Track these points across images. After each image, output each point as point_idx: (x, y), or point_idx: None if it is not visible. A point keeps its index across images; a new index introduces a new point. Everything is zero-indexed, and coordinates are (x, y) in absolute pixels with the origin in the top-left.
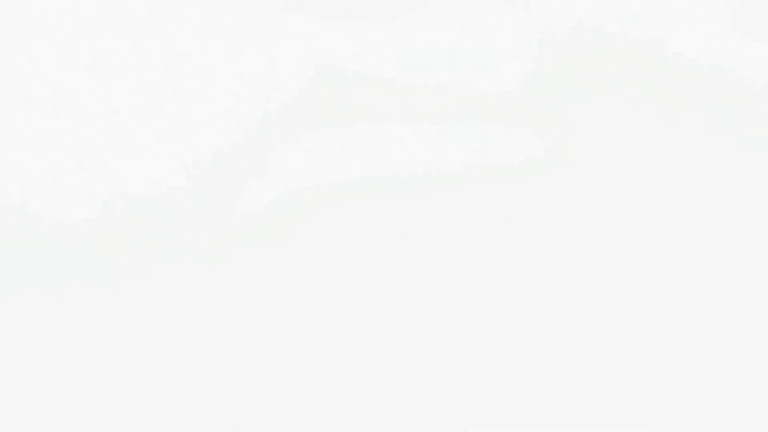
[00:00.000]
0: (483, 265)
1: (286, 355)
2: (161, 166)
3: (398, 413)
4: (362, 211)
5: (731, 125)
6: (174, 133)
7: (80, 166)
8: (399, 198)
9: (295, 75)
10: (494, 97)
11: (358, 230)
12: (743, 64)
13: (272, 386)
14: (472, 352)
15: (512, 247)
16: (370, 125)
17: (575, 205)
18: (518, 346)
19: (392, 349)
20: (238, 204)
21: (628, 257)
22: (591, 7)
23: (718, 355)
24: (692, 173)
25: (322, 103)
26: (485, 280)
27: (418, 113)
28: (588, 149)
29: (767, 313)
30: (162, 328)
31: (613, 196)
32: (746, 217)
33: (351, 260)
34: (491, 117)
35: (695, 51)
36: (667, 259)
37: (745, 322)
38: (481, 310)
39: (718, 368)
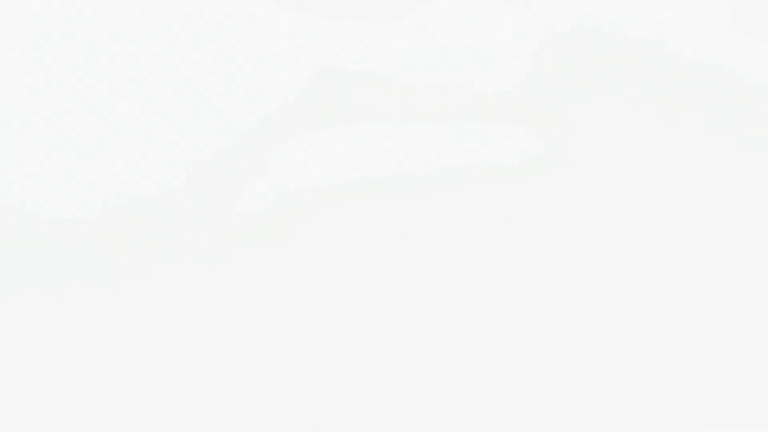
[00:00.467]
0: (483, 264)
1: (286, 353)
2: (161, 166)
3: (398, 412)
4: (362, 211)
5: (731, 125)
6: (174, 133)
7: (80, 166)
8: (399, 198)
9: (295, 75)
10: (494, 97)
11: (358, 230)
12: (743, 64)
13: (272, 385)
14: (472, 350)
15: (512, 246)
16: (370, 125)
17: (575, 204)
18: (518, 344)
19: (392, 347)
20: (238, 204)
21: (627, 256)
22: (591, 7)
23: (718, 354)
24: (692, 173)
25: (322, 103)
26: (485, 279)
27: (418, 113)
28: (588, 149)
29: (766, 311)
30: (162, 327)
31: (612, 195)
32: (746, 216)
33: (351, 260)
34: (491, 117)
35: (695, 51)
36: (666, 257)
37: (745, 320)
38: (481, 309)
39: (717, 367)
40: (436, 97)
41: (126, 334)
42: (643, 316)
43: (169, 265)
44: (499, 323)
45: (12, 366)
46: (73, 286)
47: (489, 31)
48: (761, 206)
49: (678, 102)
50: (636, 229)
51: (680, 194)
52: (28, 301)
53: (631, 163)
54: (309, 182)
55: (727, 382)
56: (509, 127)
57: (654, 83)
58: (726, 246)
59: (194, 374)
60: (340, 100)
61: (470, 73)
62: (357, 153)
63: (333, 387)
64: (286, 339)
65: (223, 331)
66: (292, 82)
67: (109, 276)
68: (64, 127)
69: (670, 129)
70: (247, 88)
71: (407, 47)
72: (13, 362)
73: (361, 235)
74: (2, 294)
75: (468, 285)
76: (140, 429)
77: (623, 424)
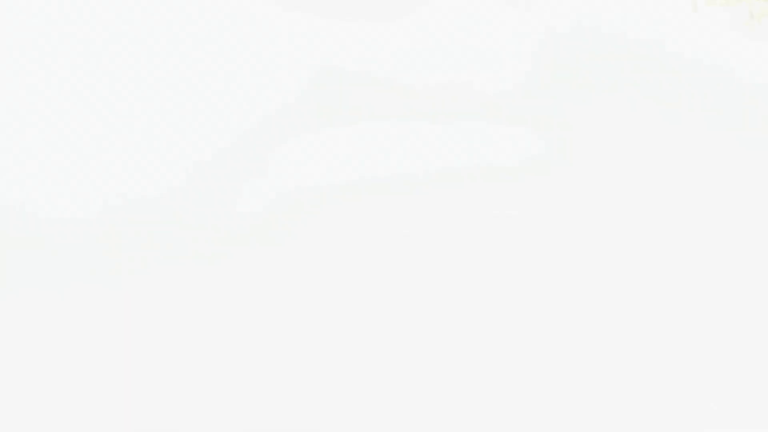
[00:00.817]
0: (483, 264)
1: (286, 354)
2: (161, 166)
3: (397, 412)
4: (362, 211)
5: (731, 125)
6: (174, 133)
7: (80, 166)
8: (399, 198)
9: (295, 75)
10: (494, 97)
11: (358, 230)
12: (743, 64)
13: (272, 385)
14: (472, 350)
15: (512, 246)
16: (370, 125)
17: (575, 204)
18: (518, 344)
19: (392, 347)
20: (238, 204)
21: (627, 256)
22: (591, 7)
23: (717, 354)
24: (692, 173)
25: (322, 103)
26: (485, 279)
27: (418, 113)
28: (588, 149)
29: (766, 309)
30: (162, 327)
31: (612, 195)
32: (746, 217)
33: (350, 260)
34: (491, 117)
35: (695, 51)
36: (666, 257)
37: (744, 319)
38: (481, 309)
39: (717, 367)
40: (436, 97)
41: (126, 334)
42: (642, 314)
43: (169, 265)
44: (498, 322)
45: (12, 366)
46: (73, 286)
47: (489, 31)
48: (761, 206)
49: (678, 102)
50: (636, 228)
51: (680, 194)
52: (28, 301)
53: (631, 163)
54: (309, 182)
55: (727, 382)
56: (509, 127)
57: (654, 83)
58: (726, 245)
59: (194, 374)
60: (340, 100)
61: (470, 73)
62: (357, 153)
63: (333, 386)
64: (286, 338)
65: (223, 330)
66: (292, 82)
67: (109, 276)
68: (64, 127)
69: (670, 129)
70: (247, 88)
71: (407, 47)
72: (13, 362)
73: (361, 235)
74: (2, 294)
75: (468, 284)
76: (140, 429)
77: (623, 424)
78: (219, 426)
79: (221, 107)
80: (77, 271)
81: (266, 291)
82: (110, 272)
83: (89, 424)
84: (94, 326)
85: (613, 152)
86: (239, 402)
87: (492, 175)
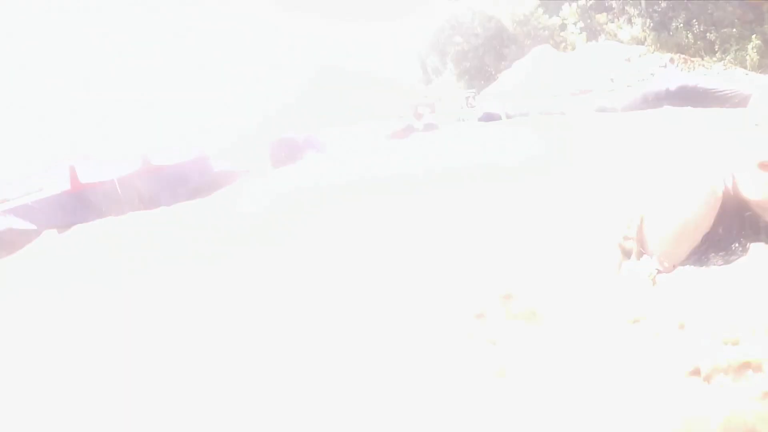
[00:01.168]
0: (482, 263)
1: (286, 353)
2: (161, 165)
3: (395, 411)
4: (362, 211)
5: (731, 125)
6: (174, 133)
7: (80, 166)
8: (399, 198)
9: (295, 75)
10: (494, 97)
11: (358, 230)
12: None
13: (272, 383)
14: (472, 349)
15: (512, 245)
16: (370, 125)
17: (575, 204)
18: (518, 341)
19: (392, 347)
20: (237, 204)
21: (626, 254)
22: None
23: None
24: (692, 173)
25: (322, 103)
26: (485, 278)
27: (419, 113)
28: (588, 149)
29: None
30: (162, 327)
31: (612, 195)
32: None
33: (350, 260)
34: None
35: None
36: (665, 256)
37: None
38: (480, 306)
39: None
40: (436, 97)
41: (126, 333)
42: (640, 314)
43: (169, 265)
44: (498, 321)
45: (12, 365)
46: (73, 286)
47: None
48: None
49: (678, 102)
50: (635, 227)
51: (680, 194)
52: (28, 301)
53: (630, 163)
54: (309, 182)
55: None
56: (509, 127)
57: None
58: (725, 244)
59: (194, 373)
60: (340, 99)
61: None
62: (358, 153)
63: (332, 385)
64: (286, 338)
65: (223, 330)
66: (293, 82)
67: (109, 276)
68: (65, 127)
69: (670, 129)
70: (248, 88)
71: (407, 47)
72: (14, 362)
73: (361, 235)
74: (2, 294)
75: (467, 284)
76: (140, 428)
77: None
78: (219, 425)
79: (222, 107)
80: (77, 271)
81: (266, 290)
82: (110, 272)
83: (89, 422)
84: (94, 326)
85: (612, 152)
86: (239, 400)
87: (492, 175)
